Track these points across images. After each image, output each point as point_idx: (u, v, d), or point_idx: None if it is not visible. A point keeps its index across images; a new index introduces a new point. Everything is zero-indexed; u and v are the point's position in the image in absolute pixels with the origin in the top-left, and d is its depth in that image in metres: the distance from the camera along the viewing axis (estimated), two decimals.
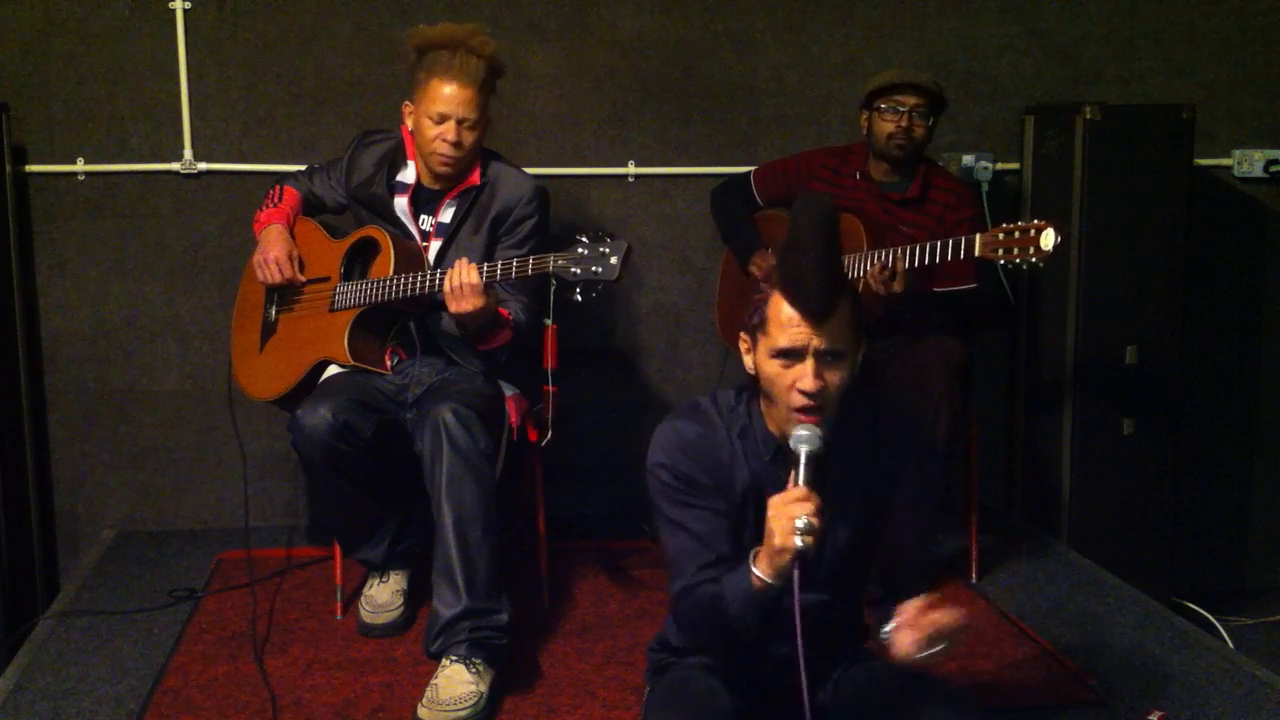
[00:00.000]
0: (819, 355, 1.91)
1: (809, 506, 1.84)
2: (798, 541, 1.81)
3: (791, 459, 1.91)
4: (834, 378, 1.93)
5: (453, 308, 2.74)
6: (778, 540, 1.84)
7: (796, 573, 1.83)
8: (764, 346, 1.96)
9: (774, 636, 1.99)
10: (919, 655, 1.87)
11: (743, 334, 2.04)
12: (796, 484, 1.89)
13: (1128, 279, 3.72)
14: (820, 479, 1.90)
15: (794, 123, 3.88)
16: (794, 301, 1.91)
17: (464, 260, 2.73)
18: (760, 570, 1.90)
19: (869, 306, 3.21)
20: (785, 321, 1.92)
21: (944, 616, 1.87)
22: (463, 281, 2.70)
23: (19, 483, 3.62)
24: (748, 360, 2.03)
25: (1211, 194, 4.03)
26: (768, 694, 2.11)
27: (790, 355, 1.92)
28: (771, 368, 1.95)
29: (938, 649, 1.87)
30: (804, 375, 1.91)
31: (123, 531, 3.77)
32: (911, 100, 3.25)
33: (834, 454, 1.98)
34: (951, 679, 2.12)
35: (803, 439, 1.90)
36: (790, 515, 1.83)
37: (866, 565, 2.14)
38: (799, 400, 1.91)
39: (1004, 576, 3.41)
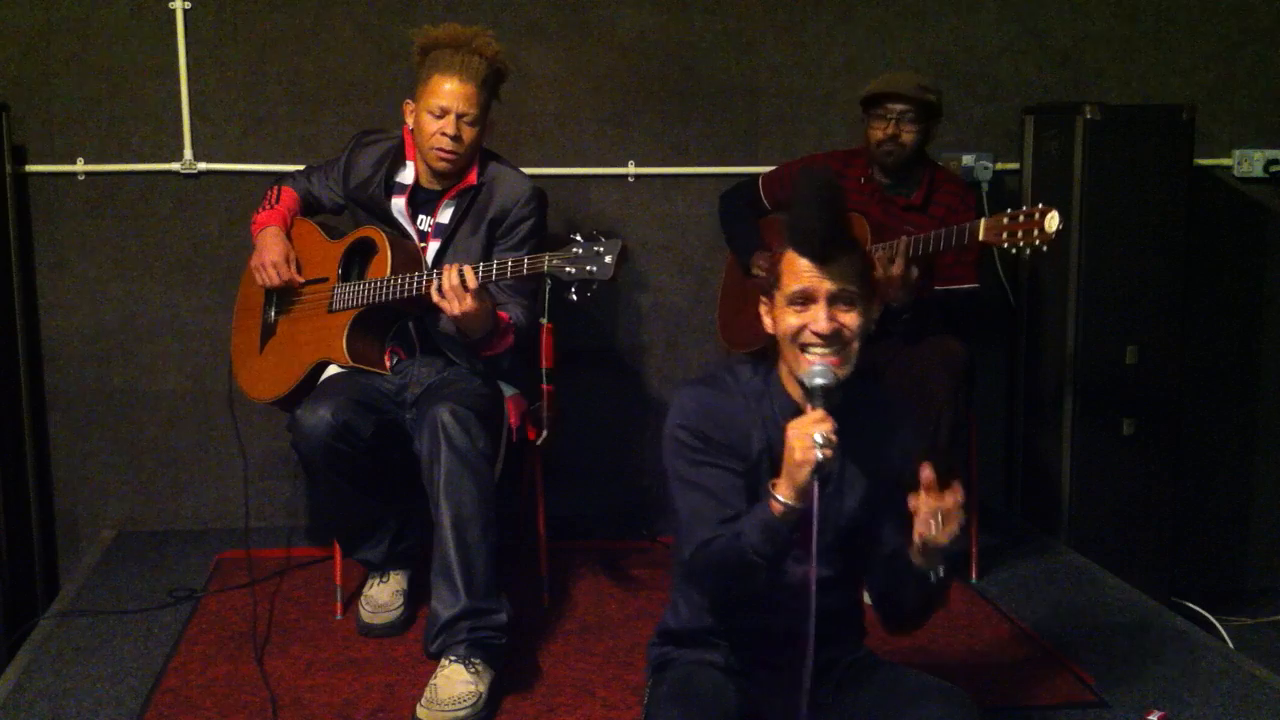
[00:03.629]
0: (830, 298, 2.01)
1: (826, 426, 1.91)
2: (817, 454, 1.88)
3: (811, 398, 1.98)
4: (847, 320, 2.02)
5: (447, 311, 2.74)
6: (797, 454, 1.91)
7: (816, 486, 1.89)
8: (780, 299, 2.06)
9: (776, 602, 2.02)
10: (937, 536, 1.93)
11: (763, 299, 2.13)
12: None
13: (1128, 279, 3.72)
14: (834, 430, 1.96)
15: (794, 123, 3.88)
16: (801, 248, 2.02)
17: (454, 265, 2.73)
18: (779, 493, 1.95)
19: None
20: (797, 270, 2.02)
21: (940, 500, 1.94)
22: (453, 284, 2.70)
23: (19, 483, 3.63)
24: (767, 322, 2.12)
25: (1211, 194, 4.03)
26: (769, 683, 2.11)
27: (804, 299, 2.02)
28: (788, 316, 2.04)
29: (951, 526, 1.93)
30: (818, 317, 2.00)
31: (123, 531, 3.77)
32: (897, 107, 3.25)
33: (843, 426, 2.03)
34: (951, 678, 2.12)
35: (817, 373, 1.99)
36: (808, 433, 1.90)
37: (864, 552, 2.16)
38: (812, 339, 2.01)
39: (1004, 576, 3.42)
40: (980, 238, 2.95)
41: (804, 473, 1.90)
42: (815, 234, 2.00)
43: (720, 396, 2.13)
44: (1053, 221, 2.80)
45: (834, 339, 2.00)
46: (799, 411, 2.02)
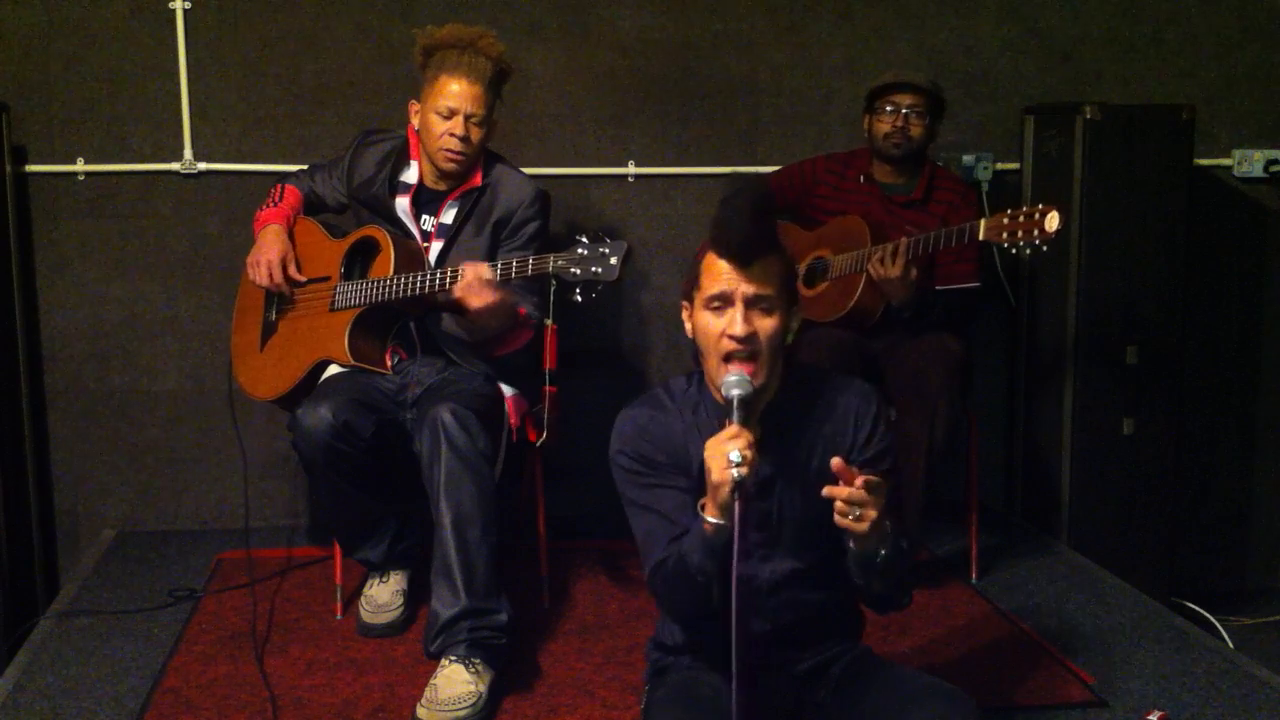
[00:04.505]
0: (748, 301, 1.99)
1: (740, 441, 1.89)
2: (733, 473, 1.86)
3: (728, 413, 1.96)
4: (764, 325, 2.00)
5: (470, 304, 2.72)
6: (714, 476, 1.90)
7: (737, 504, 1.87)
8: (698, 301, 2.04)
9: (750, 611, 2.02)
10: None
11: (683, 302, 2.11)
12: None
13: (1128, 279, 3.72)
14: (770, 435, 1.96)
15: (794, 123, 3.88)
16: (719, 250, 2.00)
17: (469, 264, 2.73)
18: (708, 513, 1.95)
19: (869, 306, 3.22)
20: (715, 272, 2.01)
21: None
22: (476, 276, 2.69)
23: (19, 483, 3.63)
24: (688, 326, 2.10)
25: (1211, 194, 4.03)
26: (761, 687, 2.10)
27: (720, 301, 2.00)
28: (704, 319, 2.03)
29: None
30: (733, 321, 1.98)
31: (123, 531, 3.77)
32: (907, 99, 3.27)
33: (784, 419, 2.04)
34: (951, 678, 2.12)
35: (732, 384, 1.96)
36: (723, 451, 1.88)
37: (832, 539, 2.12)
38: (729, 345, 1.99)
39: (1004, 576, 3.41)
40: (981, 237, 2.96)
41: (724, 492, 1.88)
42: (735, 235, 1.97)
43: (656, 415, 2.13)
44: (1053, 221, 2.81)
45: (748, 341, 1.98)
46: (724, 410, 2.01)
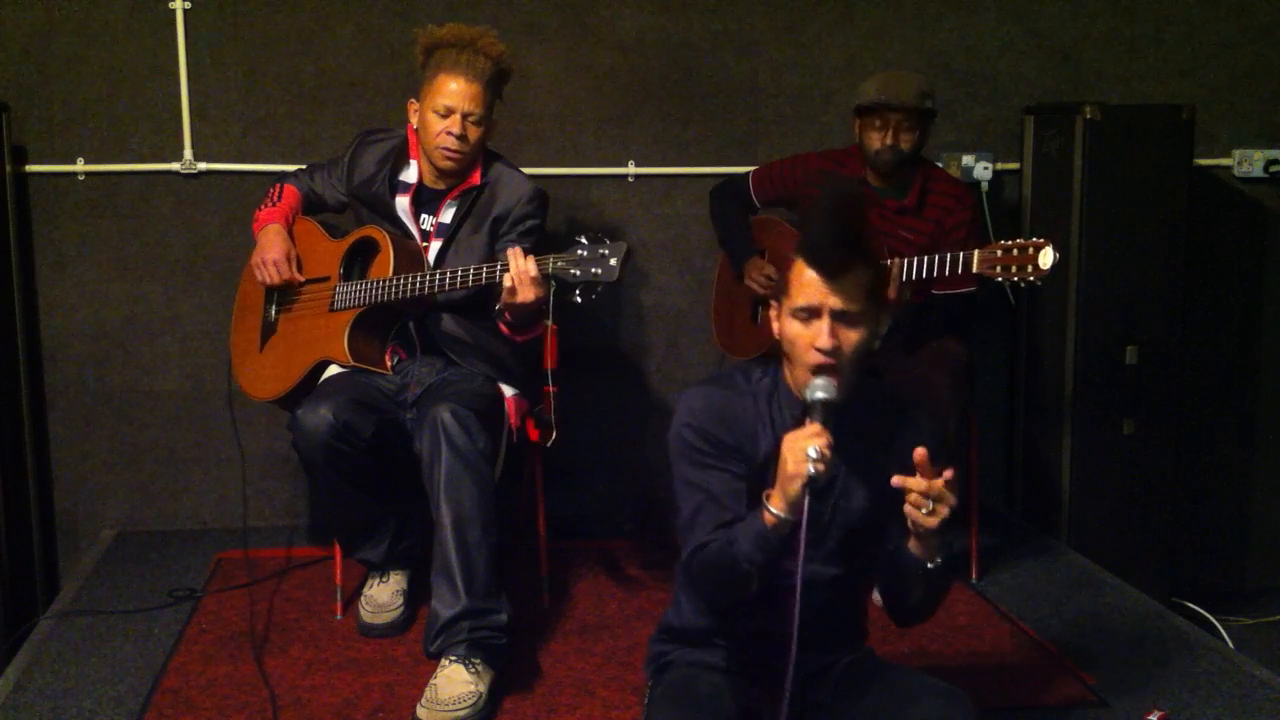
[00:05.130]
0: (834, 315, 2.00)
1: (821, 440, 1.92)
2: (810, 468, 1.89)
3: (811, 412, 1.99)
4: (849, 338, 2.01)
5: (518, 299, 2.69)
6: (790, 467, 1.92)
7: (806, 499, 1.90)
8: (786, 307, 2.06)
9: (775, 605, 2.02)
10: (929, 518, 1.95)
11: (772, 302, 2.13)
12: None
13: (1128, 279, 3.72)
14: (835, 439, 1.96)
15: (794, 123, 3.88)
16: (810, 262, 2.01)
17: (518, 250, 2.70)
18: (773, 505, 1.96)
19: None
20: (804, 282, 2.01)
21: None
22: (524, 270, 2.67)
23: (19, 483, 3.63)
24: (775, 326, 2.12)
25: (1211, 194, 4.03)
26: (768, 686, 2.11)
27: (808, 313, 2.01)
28: (792, 327, 2.04)
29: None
30: (820, 333, 2.00)
31: (123, 531, 3.77)
32: (895, 116, 3.23)
33: (850, 427, 2.05)
34: (951, 678, 2.12)
35: (818, 387, 1.99)
36: (802, 446, 1.91)
37: (873, 551, 2.15)
38: (815, 357, 2.01)
39: (1004, 576, 3.41)
40: (975, 269, 2.95)
41: (796, 485, 1.91)
42: (827, 250, 1.98)
43: (729, 396, 2.14)
44: (1046, 258, 2.80)
45: (833, 353, 2.00)
46: (805, 410, 2.03)
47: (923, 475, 1.92)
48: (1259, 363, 4.20)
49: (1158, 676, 2.79)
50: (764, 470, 2.08)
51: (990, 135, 3.96)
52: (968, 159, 3.91)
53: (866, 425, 2.10)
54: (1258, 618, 4.04)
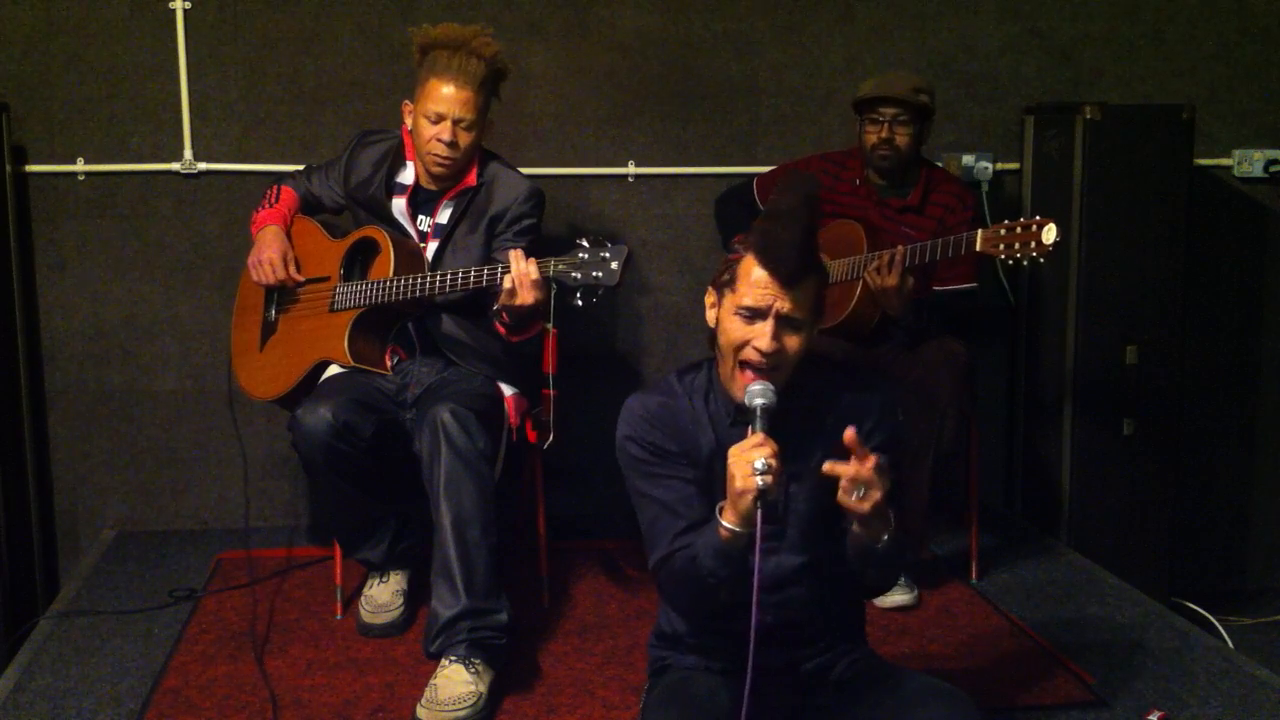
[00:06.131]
0: (779, 319, 1.98)
1: (766, 450, 1.88)
2: (757, 481, 1.86)
3: (749, 417, 1.96)
4: (790, 343, 2.00)
5: (518, 301, 2.68)
6: (738, 483, 1.89)
7: (759, 512, 1.87)
8: (729, 302, 2.03)
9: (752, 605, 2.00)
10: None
11: (710, 289, 2.10)
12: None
13: (1128, 279, 3.72)
14: (778, 438, 1.93)
15: (794, 123, 3.88)
16: (766, 264, 1.98)
17: (519, 252, 2.70)
18: (726, 520, 1.94)
19: (865, 315, 3.20)
20: (754, 281, 1.98)
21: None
22: (524, 272, 2.67)
23: (19, 483, 3.63)
24: (710, 315, 2.09)
25: (1211, 194, 4.03)
26: (762, 686, 2.11)
27: (752, 314, 1.99)
28: (733, 323, 2.01)
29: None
30: (762, 334, 1.98)
31: (123, 531, 3.77)
32: (890, 111, 3.24)
33: (792, 414, 2.03)
34: (951, 679, 2.12)
35: (756, 393, 1.97)
36: (748, 459, 1.88)
37: (835, 534, 2.12)
38: (752, 356, 1.99)
39: (1004, 576, 3.41)
40: (978, 248, 2.94)
41: (747, 500, 1.88)
42: (787, 255, 1.96)
43: (666, 402, 2.12)
44: (1050, 234, 2.80)
45: (772, 357, 1.98)
46: (741, 409, 2.01)
47: (854, 457, 1.89)
48: (1259, 363, 4.20)
49: (1158, 676, 2.79)
50: (710, 469, 2.07)
51: (990, 135, 3.96)
52: (968, 159, 3.91)
53: (809, 406, 2.07)
54: (1258, 618, 4.04)
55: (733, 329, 2.01)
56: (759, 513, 1.87)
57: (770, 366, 1.99)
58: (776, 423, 1.97)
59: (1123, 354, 3.74)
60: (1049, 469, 3.87)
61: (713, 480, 2.07)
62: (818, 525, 2.11)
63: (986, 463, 3.86)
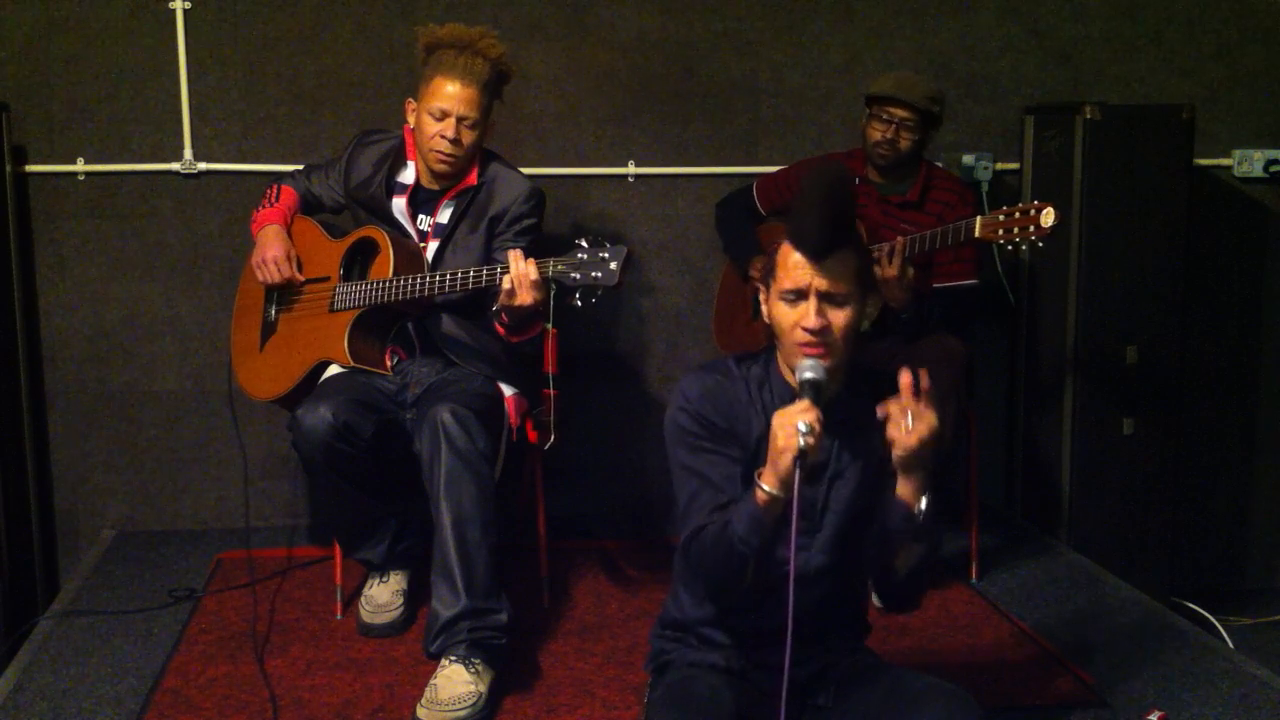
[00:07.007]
0: (821, 296, 2.03)
1: (810, 415, 1.93)
2: (800, 441, 1.90)
3: (800, 393, 2.00)
4: (837, 318, 2.05)
5: (517, 301, 2.69)
6: (780, 441, 1.93)
7: (797, 475, 1.90)
8: (774, 291, 2.09)
9: (772, 599, 2.03)
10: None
11: (760, 286, 2.16)
12: None
13: (1128, 279, 3.72)
14: (830, 426, 1.98)
15: (794, 123, 3.88)
16: (796, 244, 2.05)
17: (519, 253, 2.70)
18: (764, 482, 1.97)
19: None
20: (790, 265, 2.05)
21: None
22: (524, 273, 2.67)
23: (19, 483, 3.63)
24: (764, 310, 2.14)
25: (1211, 194, 4.03)
26: (768, 685, 2.11)
27: (795, 295, 2.05)
28: (780, 309, 2.07)
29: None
30: (807, 314, 2.03)
31: (123, 531, 3.77)
32: (901, 114, 3.24)
33: (844, 414, 2.08)
34: (951, 678, 2.12)
35: (806, 367, 2.02)
36: (792, 420, 1.93)
37: (865, 535, 2.16)
38: (802, 337, 2.04)
39: (1004, 576, 3.42)
40: (977, 234, 2.95)
41: (786, 459, 1.92)
42: (812, 232, 2.01)
43: (723, 381, 2.16)
44: (1049, 217, 2.81)
45: (820, 334, 2.03)
46: (796, 394, 2.04)
47: (906, 399, 1.97)
48: (1259, 363, 4.20)
49: (1157, 676, 2.79)
50: (756, 455, 2.10)
51: (990, 135, 3.96)
52: (968, 159, 3.91)
53: (861, 413, 2.10)
54: (1258, 618, 4.04)
55: (781, 315, 2.07)
56: (796, 476, 1.90)
57: (822, 343, 2.03)
58: (828, 421, 2.00)
59: (1123, 354, 3.74)
60: (1049, 469, 3.88)
61: (757, 467, 2.08)
62: (850, 530, 2.14)
63: (986, 462, 3.87)
